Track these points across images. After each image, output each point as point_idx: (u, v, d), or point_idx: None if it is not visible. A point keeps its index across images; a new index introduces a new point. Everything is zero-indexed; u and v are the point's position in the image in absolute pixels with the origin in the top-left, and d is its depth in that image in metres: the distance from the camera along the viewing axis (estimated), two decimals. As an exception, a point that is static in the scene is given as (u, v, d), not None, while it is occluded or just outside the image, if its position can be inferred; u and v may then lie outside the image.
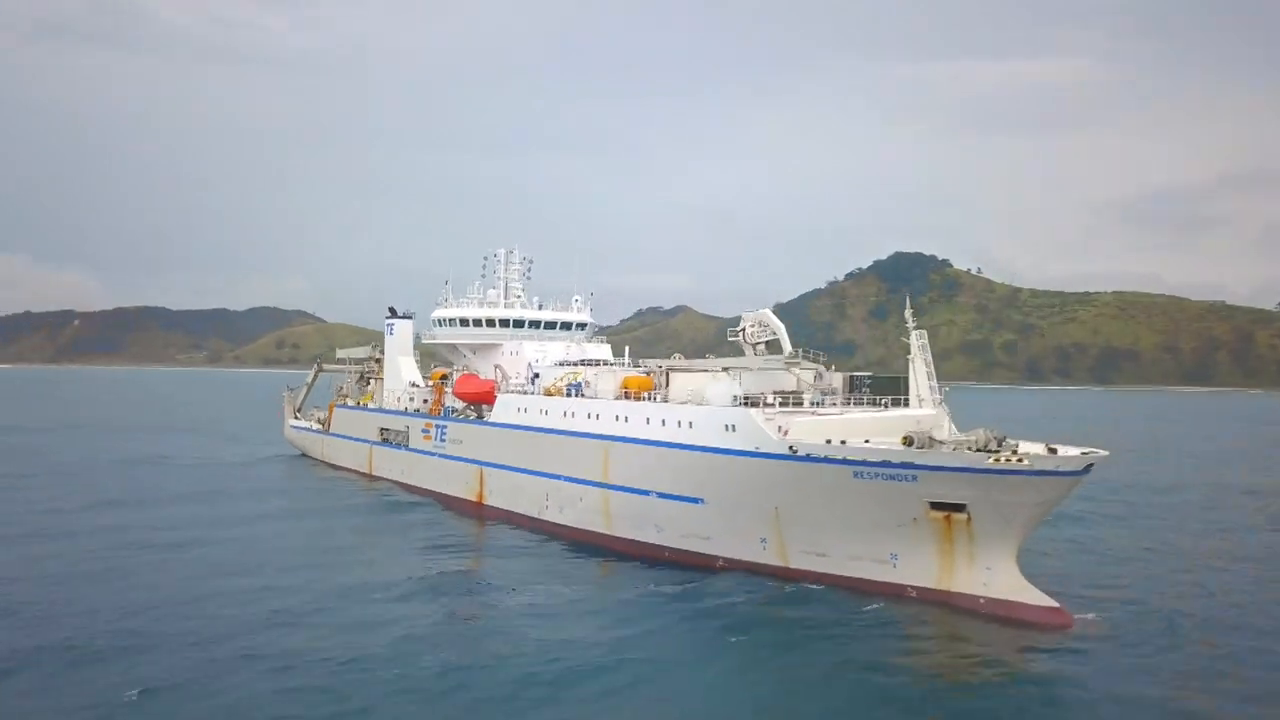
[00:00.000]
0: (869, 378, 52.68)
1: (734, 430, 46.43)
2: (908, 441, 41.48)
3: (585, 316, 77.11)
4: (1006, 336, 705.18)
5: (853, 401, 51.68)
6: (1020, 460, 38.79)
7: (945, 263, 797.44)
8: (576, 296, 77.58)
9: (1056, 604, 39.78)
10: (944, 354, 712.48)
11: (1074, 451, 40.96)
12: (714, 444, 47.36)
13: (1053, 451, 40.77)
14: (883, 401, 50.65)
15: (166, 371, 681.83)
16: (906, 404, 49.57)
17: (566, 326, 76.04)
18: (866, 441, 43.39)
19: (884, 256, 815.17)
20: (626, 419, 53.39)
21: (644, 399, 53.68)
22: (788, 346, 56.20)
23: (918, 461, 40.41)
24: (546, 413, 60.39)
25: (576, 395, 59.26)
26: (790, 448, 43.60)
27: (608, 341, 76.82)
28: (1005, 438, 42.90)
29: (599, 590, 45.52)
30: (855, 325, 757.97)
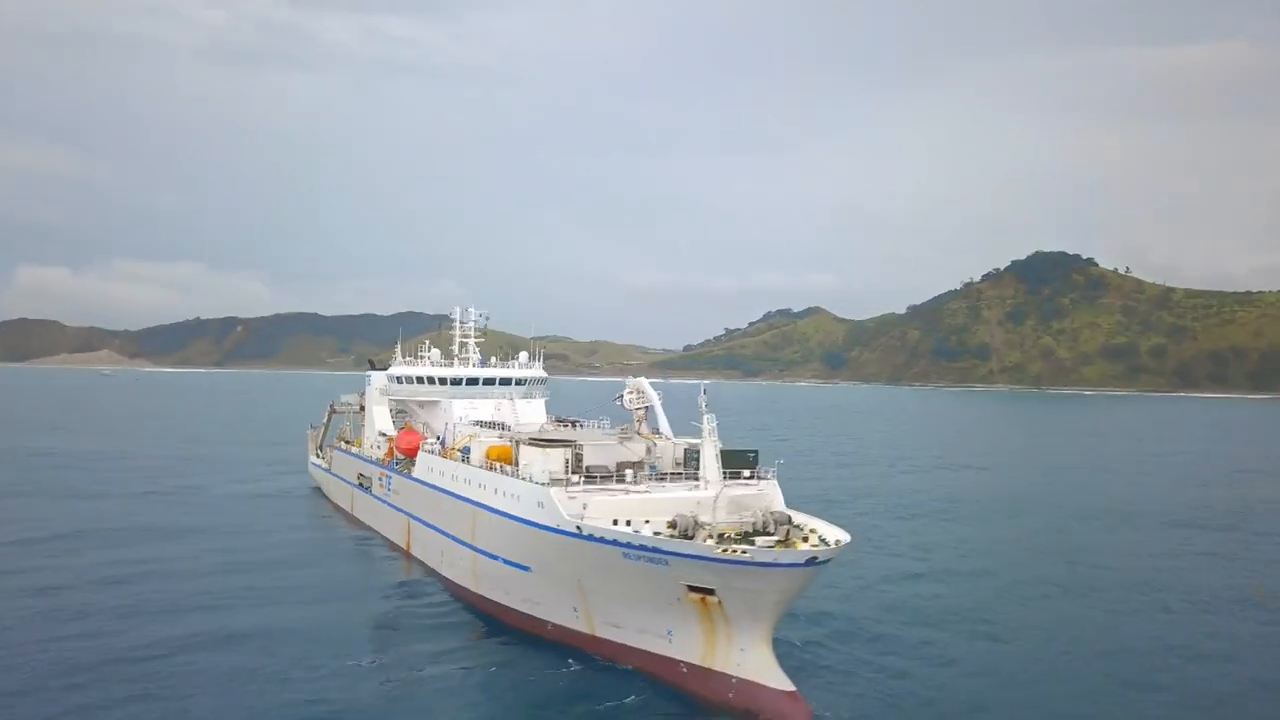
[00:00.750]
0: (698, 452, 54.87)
1: (542, 506, 50.15)
2: (672, 525, 44.49)
3: (526, 373, 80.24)
4: (1155, 340, 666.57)
5: (669, 477, 53.80)
6: (744, 552, 41.25)
7: (1090, 262, 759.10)
8: (522, 352, 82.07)
9: (794, 688, 41.96)
10: (1084, 359, 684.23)
11: (832, 538, 43.17)
12: (531, 517, 51.11)
13: (805, 538, 43.19)
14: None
15: (314, 375, 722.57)
16: (748, 477, 51.85)
17: (505, 383, 79.21)
18: (647, 522, 46.40)
19: (1023, 256, 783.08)
20: (485, 486, 57.75)
21: (496, 469, 57.50)
22: (661, 416, 59.56)
23: (664, 547, 43.21)
24: (443, 473, 65.26)
25: (465, 459, 63.67)
26: (577, 526, 47.10)
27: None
28: (789, 520, 45.59)
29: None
30: (990, 329, 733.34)
